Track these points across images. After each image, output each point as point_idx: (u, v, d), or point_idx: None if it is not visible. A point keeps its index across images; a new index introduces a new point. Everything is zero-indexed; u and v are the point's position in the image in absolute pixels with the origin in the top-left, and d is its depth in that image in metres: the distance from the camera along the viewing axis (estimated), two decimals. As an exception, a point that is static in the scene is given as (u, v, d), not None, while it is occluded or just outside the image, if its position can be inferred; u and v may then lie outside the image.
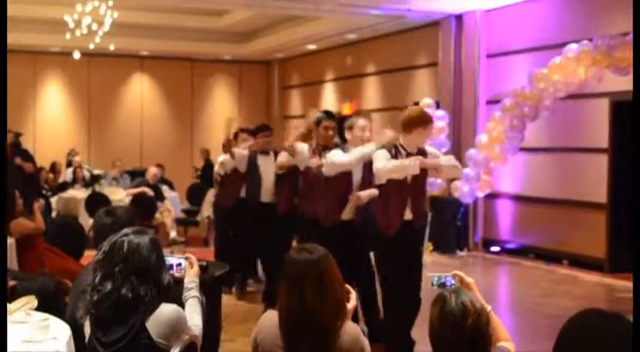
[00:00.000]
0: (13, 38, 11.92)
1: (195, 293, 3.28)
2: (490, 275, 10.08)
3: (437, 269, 8.31)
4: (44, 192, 12.46)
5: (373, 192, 5.86)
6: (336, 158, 6.07)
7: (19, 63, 15.78)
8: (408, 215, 5.57)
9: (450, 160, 5.81)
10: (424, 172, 5.57)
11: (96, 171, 14.41)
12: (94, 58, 16.62)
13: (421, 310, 5.36)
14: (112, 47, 13.70)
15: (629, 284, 9.01)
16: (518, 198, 11.38)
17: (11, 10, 7.48)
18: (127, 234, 2.99)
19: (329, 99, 16.51)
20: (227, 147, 8.14)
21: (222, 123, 18.15)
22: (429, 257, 11.18)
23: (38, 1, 13.75)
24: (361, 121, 6.23)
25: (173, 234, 11.36)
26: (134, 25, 15.10)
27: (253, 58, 18.10)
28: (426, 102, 11.80)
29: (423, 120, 5.46)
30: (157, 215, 10.97)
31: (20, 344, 3.21)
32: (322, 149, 6.43)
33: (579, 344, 2.11)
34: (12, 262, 5.52)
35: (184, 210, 13.32)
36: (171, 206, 11.75)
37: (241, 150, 8.20)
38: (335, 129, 6.59)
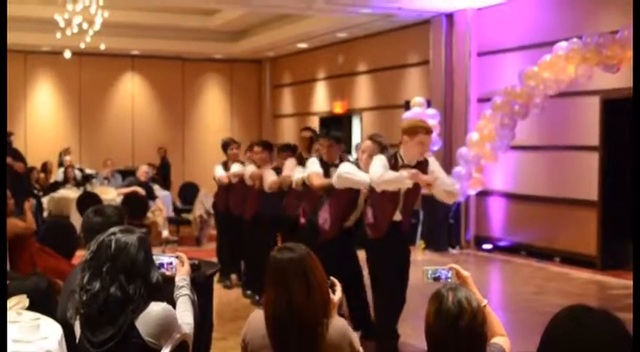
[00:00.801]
0: (3, 37, 11.84)
1: (187, 291, 3.28)
2: (482, 273, 10.09)
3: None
4: (35, 191, 12.43)
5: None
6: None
7: (10, 62, 15.39)
8: (397, 216, 5.60)
9: (447, 184, 5.69)
10: (418, 185, 5.59)
11: (87, 171, 14.38)
12: (84, 58, 16.57)
13: (415, 305, 5.36)
14: (102, 46, 13.65)
15: (621, 281, 9.05)
16: (510, 196, 11.41)
17: (1, 10, 7.44)
18: (114, 233, 2.97)
19: (320, 97, 16.52)
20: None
21: (213, 122, 18.19)
22: (422, 255, 11.21)
23: (28, 0, 13.69)
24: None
25: (165, 232, 11.32)
26: (125, 24, 15.06)
27: (244, 57, 18.08)
28: (418, 101, 11.82)
29: (422, 130, 5.47)
30: (149, 214, 10.93)
31: (11, 344, 3.20)
32: (328, 166, 6.50)
33: (565, 340, 2.12)
34: (3, 262, 5.50)
35: (176, 209, 13.30)
36: (163, 205, 11.72)
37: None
38: (332, 145, 6.61)
